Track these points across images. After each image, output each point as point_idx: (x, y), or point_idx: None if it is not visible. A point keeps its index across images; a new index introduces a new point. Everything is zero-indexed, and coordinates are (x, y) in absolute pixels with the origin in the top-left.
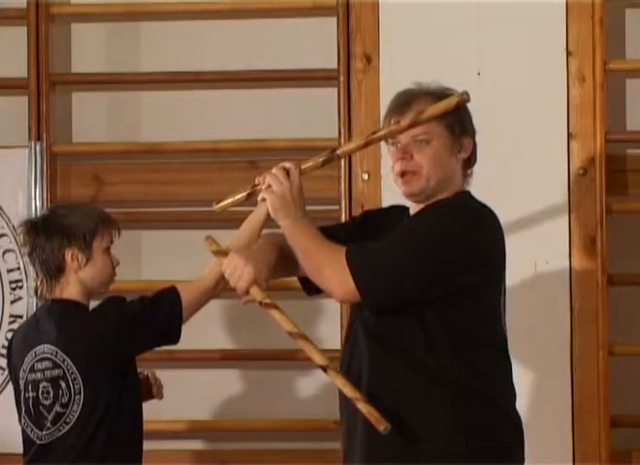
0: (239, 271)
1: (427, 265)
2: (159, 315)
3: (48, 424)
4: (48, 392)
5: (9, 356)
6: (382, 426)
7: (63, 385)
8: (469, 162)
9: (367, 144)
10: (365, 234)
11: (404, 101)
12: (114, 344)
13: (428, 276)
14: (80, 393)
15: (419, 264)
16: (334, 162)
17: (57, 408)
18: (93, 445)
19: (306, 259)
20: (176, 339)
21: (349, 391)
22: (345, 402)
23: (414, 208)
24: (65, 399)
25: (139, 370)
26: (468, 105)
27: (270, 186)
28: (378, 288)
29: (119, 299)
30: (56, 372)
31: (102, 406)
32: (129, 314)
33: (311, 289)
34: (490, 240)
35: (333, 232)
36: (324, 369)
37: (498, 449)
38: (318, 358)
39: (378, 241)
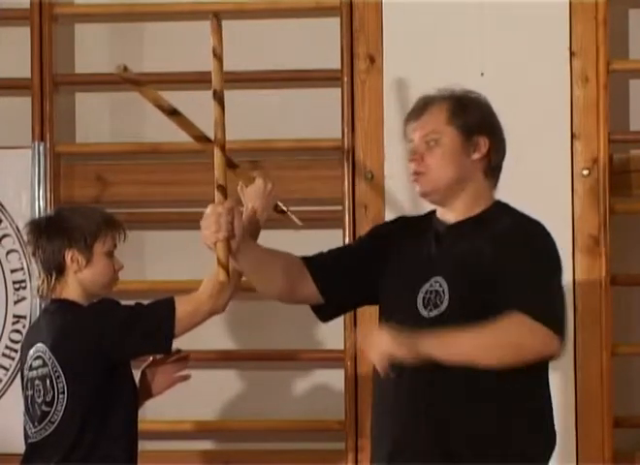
0: (215, 226)
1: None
2: (149, 323)
3: (36, 422)
4: (39, 391)
5: (20, 355)
6: (221, 276)
7: (48, 383)
8: (489, 161)
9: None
10: (381, 246)
11: (421, 105)
12: (98, 346)
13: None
14: (63, 393)
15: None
16: None
17: (43, 406)
18: (80, 445)
19: (494, 352)
20: (165, 349)
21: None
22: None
23: (441, 211)
24: (49, 397)
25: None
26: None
27: None
28: (565, 325)
29: (112, 302)
30: (44, 370)
31: (85, 407)
32: (117, 318)
33: (326, 315)
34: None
35: (340, 256)
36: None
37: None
38: None
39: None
